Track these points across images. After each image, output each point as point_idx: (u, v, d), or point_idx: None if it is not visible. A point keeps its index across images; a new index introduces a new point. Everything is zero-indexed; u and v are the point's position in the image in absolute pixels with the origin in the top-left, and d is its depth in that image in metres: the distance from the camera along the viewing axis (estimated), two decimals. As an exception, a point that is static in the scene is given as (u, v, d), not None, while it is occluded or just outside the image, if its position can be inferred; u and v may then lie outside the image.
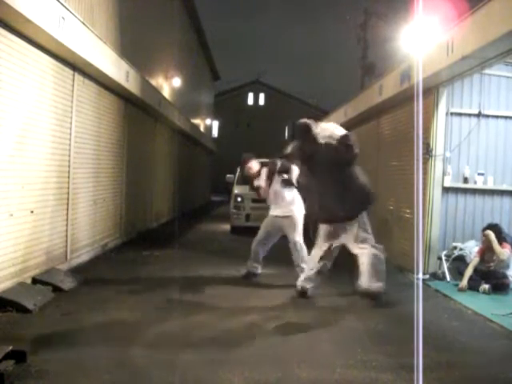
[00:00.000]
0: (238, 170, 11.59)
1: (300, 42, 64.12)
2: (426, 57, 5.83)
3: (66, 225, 5.96)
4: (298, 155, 5.19)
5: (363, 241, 4.98)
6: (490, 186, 6.62)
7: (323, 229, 5.27)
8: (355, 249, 5.02)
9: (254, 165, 6.27)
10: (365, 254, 4.91)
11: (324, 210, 5.10)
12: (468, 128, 6.59)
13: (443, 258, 6.32)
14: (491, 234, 5.71)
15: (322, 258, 5.25)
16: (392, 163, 7.87)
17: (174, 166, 13.42)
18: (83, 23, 5.58)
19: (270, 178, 6.03)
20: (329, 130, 5.07)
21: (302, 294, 5.21)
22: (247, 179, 6.61)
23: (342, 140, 4.84)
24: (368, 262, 4.86)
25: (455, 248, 6.38)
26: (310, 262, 5.39)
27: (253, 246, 6.15)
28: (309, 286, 5.25)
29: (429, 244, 6.42)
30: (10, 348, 3.11)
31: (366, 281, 4.83)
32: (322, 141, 4.90)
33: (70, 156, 6.00)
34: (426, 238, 6.40)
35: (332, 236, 5.19)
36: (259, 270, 6.16)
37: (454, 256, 6.31)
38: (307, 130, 5.01)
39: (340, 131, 5.03)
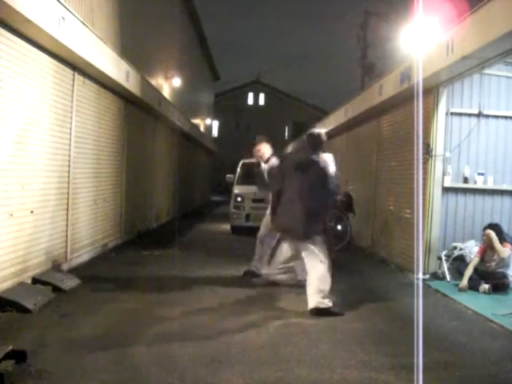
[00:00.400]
0: (239, 168, 11.60)
1: (300, 42, 64.15)
2: (425, 57, 5.82)
3: (66, 225, 5.96)
4: (293, 158, 5.25)
5: (315, 257, 4.79)
6: (490, 185, 6.62)
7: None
8: (306, 262, 4.87)
9: (264, 148, 6.05)
10: (314, 270, 4.76)
11: (284, 219, 5.00)
12: (468, 128, 6.59)
13: (443, 258, 6.32)
14: (492, 233, 5.72)
15: (291, 258, 5.27)
16: (392, 163, 7.87)
17: (174, 166, 13.42)
18: (83, 23, 5.58)
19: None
20: (324, 159, 5.13)
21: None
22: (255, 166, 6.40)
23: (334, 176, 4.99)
24: (316, 278, 4.72)
25: (455, 248, 6.38)
26: (279, 258, 5.42)
27: (256, 245, 6.17)
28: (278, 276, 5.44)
29: (429, 244, 6.42)
30: (10, 348, 3.11)
31: (314, 299, 4.67)
32: (323, 164, 4.97)
33: (70, 156, 6.00)
34: (425, 238, 6.40)
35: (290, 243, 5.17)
36: (261, 271, 6.15)
37: (453, 256, 6.31)
38: (319, 141, 5.06)
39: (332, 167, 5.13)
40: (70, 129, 6.00)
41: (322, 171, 4.89)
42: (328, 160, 5.11)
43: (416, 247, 6.29)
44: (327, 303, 4.63)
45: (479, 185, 6.59)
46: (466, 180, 6.59)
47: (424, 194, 6.44)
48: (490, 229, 5.81)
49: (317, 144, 5.05)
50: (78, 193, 6.30)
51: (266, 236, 6.10)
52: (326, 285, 4.70)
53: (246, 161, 11.42)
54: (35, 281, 5.01)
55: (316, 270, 4.74)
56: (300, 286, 5.15)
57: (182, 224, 11.60)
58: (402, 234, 7.18)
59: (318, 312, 4.58)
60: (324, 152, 5.12)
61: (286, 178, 5.01)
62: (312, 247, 4.78)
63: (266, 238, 6.11)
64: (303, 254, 4.86)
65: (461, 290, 5.65)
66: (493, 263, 5.76)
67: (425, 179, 6.46)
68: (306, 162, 4.98)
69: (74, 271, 5.86)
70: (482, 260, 5.83)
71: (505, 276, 5.71)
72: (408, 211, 7.05)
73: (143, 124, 9.84)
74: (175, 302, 4.95)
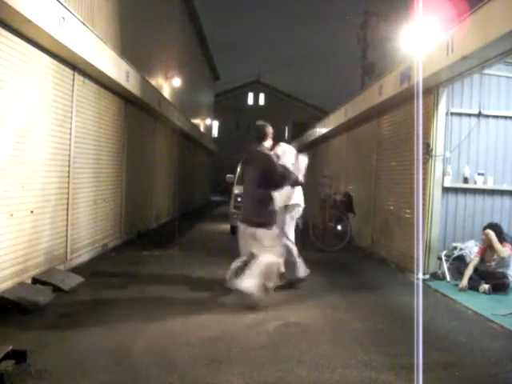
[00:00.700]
0: (239, 168, 11.59)
1: (300, 42, 64.18)
2: (425, 57, 5.83)
3: (66, 225, 5.96)
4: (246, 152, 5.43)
5: (266, 251, 4.92)
6: (490, 186, 6.62)
7: (240, 228, 5.29)
8: (258, 254, 4.95)
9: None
10: (260, 260, 4.86)
11: (244, 208, 5.26)
12: (468, 128, 6.60)
13: (443, 258, 6.32)
14: (492, 233, 5.72)
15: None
16: (392, 163, 7.87)
17: (174, 166, 13.42)
18: (83, 23, 5.58)
19: None
20: (284, 151, 5.36)
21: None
22: None
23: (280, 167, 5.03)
24: (256, 265, 4.81)
25: (455, 248, 6.38)
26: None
27: None
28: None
29: (429, 244, 6.42)
30: (10, 348, 3.12)
31: (240, 280, 4.77)
32: (266, 152, 5.10)
33: (70, 156, 6.00)
34: (426, 238, 6.40)
35: (243, 237, 5.17)
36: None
37: (454, 256, 6.31)
38: (263, 132, 5.25)
39: (289, 159, 5.33)
40: (70, 129, 6.00)
41: (265, 162, 5.00)
42: (288, 151, 5.43)
43: (416, 247, 6.29)
44: (250, 290, 4.68)
45: (479, 185, 6.59)
46: (466, 180, 6.59)
47: (424, 194, 6.44)
48: (490, 229, 5.81)
49: (261, 135, 5.25)
50: (78, 193, 6.30)
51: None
52: (266, 277, 4.78)
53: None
54: (35, 281, 5.01)
55: (260, 262, 4.84)
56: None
57: (182, 224, 11.60)
58: (401, 234, 7.18)
59: (237, 292, 4.70)
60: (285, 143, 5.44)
61: (245, 171, 5.34)
62: (264, 240, 4.91)
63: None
64: (253, 244, 4.96)
65: (461, 290, 5.65)
66: (493, 263, 5.76)
67: (425, 179, 6.46)
68: (251, 155, 5.23)
69: (74, 271, 5.85)
70: (482, 260, 5.83)
71: (505, 276, 5.71)
72: (408, 211, 7.05)
73: (143, 124, 9.84)
74: (175, 301, 4.96)
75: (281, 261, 5.05)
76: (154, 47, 11.53)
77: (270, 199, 5.07)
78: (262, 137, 5.25)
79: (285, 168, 5.10)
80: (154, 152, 10.86)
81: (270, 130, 5.31)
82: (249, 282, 4.72)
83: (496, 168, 6.68)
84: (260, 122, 5.39)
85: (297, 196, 5.92)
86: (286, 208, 5.84)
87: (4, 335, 3.67)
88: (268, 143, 5.29)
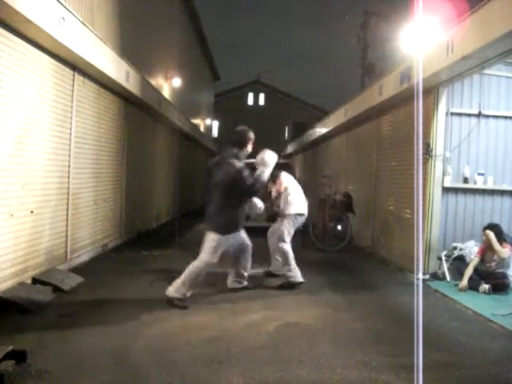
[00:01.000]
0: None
1: (300, 42, 64.23)
2: (425, 57, 5.83)
3: (66, 225, 5.96)
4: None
5: (201, 254, 4.99)
6: (490, 186, 6.62)
7: None
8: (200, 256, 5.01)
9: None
10: (191, 266, 4.94)
11: (207, 212, 5.13)
12: (468, 128, 6.60)
13: (443, 258, 6.33)
14: (491, 234, 5.72)
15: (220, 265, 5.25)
16: (392, 163, 7.87)
17: (174, 166, 13.42)
18: (83, 23, 5.58)
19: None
20: (265, 161, 5.05)
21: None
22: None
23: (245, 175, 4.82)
24: (187, 272, 4.87)
25: (455, 248, 6.38)
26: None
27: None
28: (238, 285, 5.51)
29: (429, 244, 6.42)
30: (10, 348, 3.12)
31: (171, 287, 4.83)
32: (236, 166, 4.86)
33: (70, 156, 6.00)
34: (425, 238, 6.40)
35: None
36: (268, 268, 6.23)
37: (454, 256, 6.31)
38: (243, 138, 5.07)
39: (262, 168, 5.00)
40: (70, 129, 6.00)
41: (234, 175, 4.80)
42: (271, 160, 5.00)
43: (416, 247, 6.29)
44: (176, 295, 4.75)
45: (479, 185, 6.59)
46: (466, 180, 6.59)
47: (424, 194, 6.44)
48: (490, 229, 5.81)
49: (242, 141, 5.06)
50: (78, 193, 6.30)
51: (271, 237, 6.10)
52: (193, 282, 4.83)
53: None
54: (35, 281, 5.01)
55: (195, 264, 4.92)
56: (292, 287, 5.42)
57: (182, 224, 11.60)
58: (401, 234, 7.18)
59: (168, 301, 4.74)
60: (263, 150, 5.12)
61: (212, 175, 5.12)
62: (208, 242, 4.95)
63: (270, 239, 6.10)
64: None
65: (461, 290, 5.65)
66: (493, 263, 5.76)
67: (425, 179, 6.46)
68: (221, 164, 4.98)
69: (74, 271, 5.85)
70: (482, 260, 5.84)
71: (505, 276, 5.71)
72: (408, 211, 7.05)
73: (143, 124, 9.84)
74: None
75: (207, 268, 5.01)
76: (154, 47, 11.53)
77: (231, 209, 4.94)
78: (243, 143, 5.05)
79: (253, 180, 4.86)
80: (154, 152, 10.86)
81: (251, 135, 5.12)
82: (174, 288, 4.80)
83: (496, 168, 6.69)
84: (241, 127, 5.20)
85: (300, 205, 5.89)
86: (285, 217, 5.84)
87: (4, 335, 3.67)
88: (248, 149, 5.11)
